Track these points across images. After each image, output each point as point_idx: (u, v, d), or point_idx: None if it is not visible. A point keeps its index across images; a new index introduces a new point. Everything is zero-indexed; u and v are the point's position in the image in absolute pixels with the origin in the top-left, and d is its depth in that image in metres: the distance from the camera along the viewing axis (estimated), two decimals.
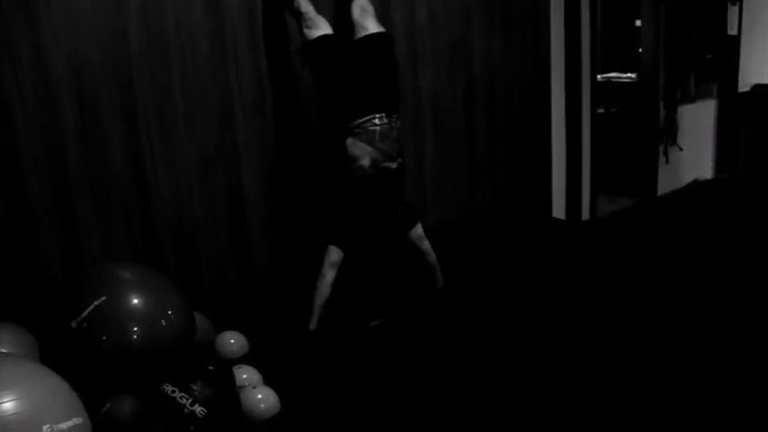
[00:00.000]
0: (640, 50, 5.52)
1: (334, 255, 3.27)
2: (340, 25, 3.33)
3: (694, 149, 5.78)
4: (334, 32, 3.24)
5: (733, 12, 5.72)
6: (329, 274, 3.27)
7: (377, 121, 3.19)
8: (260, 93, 3.36)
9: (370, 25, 3.28)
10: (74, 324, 2.43)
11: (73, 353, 2.43)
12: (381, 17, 3.57)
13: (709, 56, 5.70)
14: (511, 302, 3.67)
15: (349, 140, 3.21)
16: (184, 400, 2.37)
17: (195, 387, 2.42)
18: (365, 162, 3.20)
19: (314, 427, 2.64)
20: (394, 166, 3.28)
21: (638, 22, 5.73)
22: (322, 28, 3.20)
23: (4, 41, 2.68)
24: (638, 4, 5.49)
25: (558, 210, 4.82)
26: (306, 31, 3.21)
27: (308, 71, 3.34)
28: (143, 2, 2.97)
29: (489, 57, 4.24)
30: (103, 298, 2.46)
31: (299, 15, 3.23)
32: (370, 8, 3.32)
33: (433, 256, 3.62)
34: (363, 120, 3.18)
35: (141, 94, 3.03)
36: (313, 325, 3.27)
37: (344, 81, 3.23)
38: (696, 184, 5.82)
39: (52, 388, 2.01)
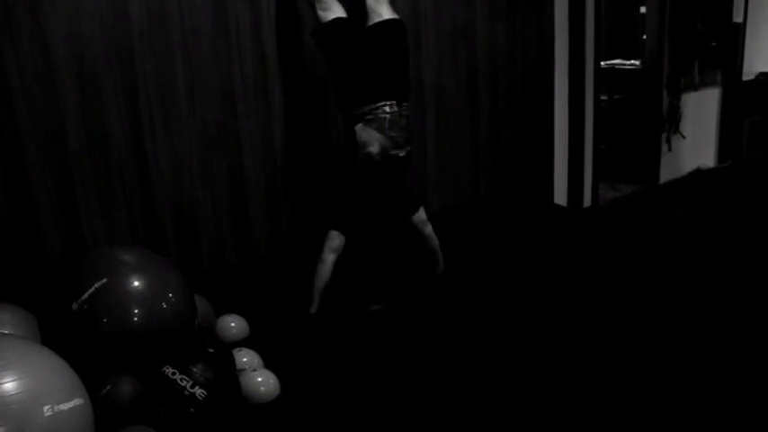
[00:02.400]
0: (645, 37, 5.48)
1: (336, 240, 3.27)
2: (353, 10, 3.30)
3: (697, 137, 5.75)
4: (348, 16, 3.21)
5: None
6: (329, 259, 3.27)
7: (387, 108, 3.17)
8: (262, 74, 3.35)
9: (384, 11, 3.25)
10: (75, 306, 2.44)
11: (74, 334, 2.43)
12: None
13: (713, 43, 5.66)
14: (511, 288, 3.67)
15: (359, 126, 3.19)
16: (185, 383, 2.38)
17: (196, 369, 2.43)
18: (374, 149, 3.19)
19: (314, 410, 2.65)
20: (402, 154, 3.28)
21: (642, 9, 5.69)
22: (336, 11, 3.17)
23: (4, 21, 2.66)
24: None
25: (560, 196, 4.82)
26: (320, 13, 3.18)
27: (318, 55, 3.31)
28: None
29: (493, 41, 4.21)
30: (104, 280, 2.47)
31: None
32: None
33: (435, 241, 3.63)
34: (374, 106, 3.17)
35: (143, 74, 3.01)
36: (313, 309, 3.28)
37: (357, 66, 3.21)
38: (698, 173, 5.81)
39: (53, 369, 2.02)
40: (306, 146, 3.56)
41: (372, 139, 3.18)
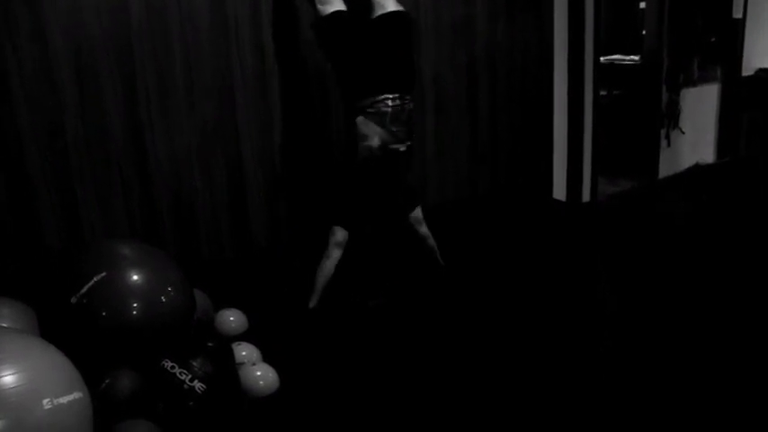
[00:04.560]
0: (644, 32, 5.48)
1: (340, 234, 3.26)
2: (358, 1, 3.28)
3: (696, 133, 5.75)
4: (348, 9, 3.19)
5: None
6: (335, 254, 3.26)
7: (390, 102, 3.15)
8: (261, 67, 3.34)
9: (388, 3, 3.23)
10: (73, 299, 2.43)
11: (73, 328, 2.43)
12: None
13: (713, 39, 5.65)
14: (510, 283, 3.67)
15: (359, 119, 3.18)
16: (184, 376, 2.38)
17: (195, 363, 2.43)
18: (374, 142, 3.18)
19: (313, 404, 2.65)
20: (402, 148, 3.25)
21: (642, 4, 5.68)
22: (335, 3, 3.16)
23: (3, 16, 2.65)
24: None
25: (559, 191, 4.82)
26: (319, 6, 3.16)
27: (319, 49, 3.31)
28: None
29: (492, 36, 4.20)
30: (103, 274, 2.47)
31: None
32: None
33: (431, 240, 3.62)
34: (376, 99, 3.15)
35: (141, 67, 3.01)
36: (313, 303, 3.27)
37: (359, 59, 3.19)
38: (697, 168, 5.81)
39: (52, 362, 2.01)
40: (305, 138, 3.56)
41: (373, 133, 3.16)
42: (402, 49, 3.27)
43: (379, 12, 3.23)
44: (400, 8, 3.27)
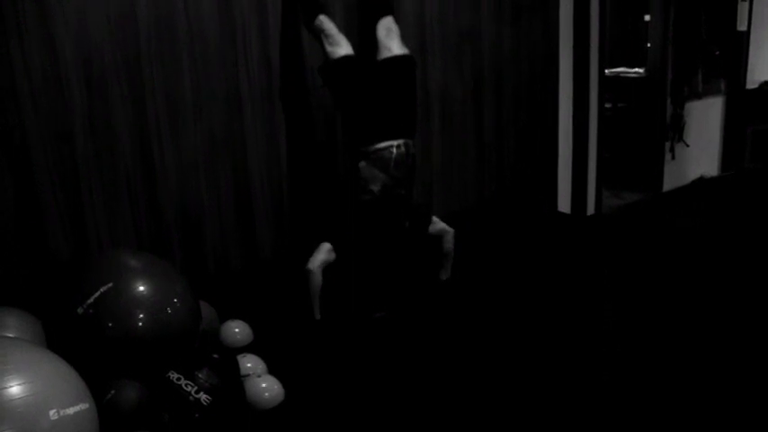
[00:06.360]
0: (649, 45, 5.49)
1: (327, 254, 3.22)
2: (362, 41, 3.34)
3: (701, 146, 5.76)
4: (356, 51, 3.24)
5: (743, 7, 5.69)
6: (318, 270, 3.20)
7: (393, 149, 3.17)
8: (268, 80, 3.35)
9: (394, 47, 3.26)
10: (80, 310, 2.43)
11: (79, 339, 2.43)
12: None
13: (717, 52, 5.67)
14: (515, 295, 3.66)
15: (362, 164, 3.19)
16: (189, 388, 2.38)
17: (200, 375, 2.42)
18: (375, 187, 3.19)
19: (318, 416, 2.64)
20: (403, 192, 3.28)
21: (647, 17, 5.70)
22: (344, 46, 3.19)
23: (13, 24, 2.67)
24: None
25: (564, 204, 4.82)
26: (329, 48, 3.19)
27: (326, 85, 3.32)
28: None
29: (498, 49, 4.22)
30: (110, 284, 2.47)
31: (320, 33, 3.22)
32: (396, 28, 3.31)
33: (449, 257, 3.61)
34: (380, 146, 3.16)
35: (150, 78, 3.02)
36: (317, 315, 3.27)
37: (364, 104, 3.21)
38: (702, 181, 5.81)
39: (59, 373, 2.02)
40: (311, 151, 3.56)
41: (375, 179, 3.18)
42: (406, 93, 3.30)
43: (385, 55, 3.25)
44: (405, 51, 3.30)
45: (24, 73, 2.72)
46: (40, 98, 2.77)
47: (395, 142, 3.18)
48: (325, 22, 3.22)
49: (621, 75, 5.87)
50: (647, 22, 5.59)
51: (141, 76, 3.00)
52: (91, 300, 2.44)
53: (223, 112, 3.24)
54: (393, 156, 3.17)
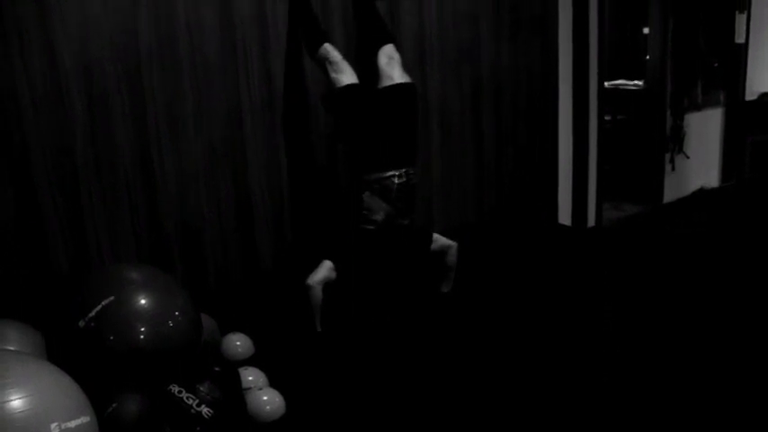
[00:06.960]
0: (648, 58, 5.52)
1: (329, 272, 3.22)
2: (365, 71, 3.36)
3: (701, 157, 5.77)
4: (360, 79, 3.26)
5: (741, 20, 5.72)
6: (318, 287, 3.20)
7: (396, 179, 3.19)
8: (269, 91, 3.37)
9: (395, 75, 3.27)
10: (81, 323, 2.43)
11: (80, 352, 2.43)
12: (391, 22, 3.59)
13: (716, 64, 5.70)
14: (516, 307, 3.66)
15: (366, 194, 3.21)
16: (191, 401, 2.37)
17: (202, 388, 2.42)
18: (378, 217, 3.21)
19: (319, 429, 2.64)
20: (406, 222, 3.30)
21: (645, 30, 5.73)
22: (348, 75, 3.21)
23: (15, 37, 2.68)
24: (646, 12, 5.49)
25: (564, 216, 4.82)
26: (333, 76, 3.21)
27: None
28: (154, 1, 2.98)
29: (497, 62, 4.24)
30: (111, 298, 2.47)
31: (324, 61, 3.24)
32: (397, 56, 3.33)
33: (451, 273, 3.62)
34: (383, 176, 3.18)
35: (150, 92, 3.03)
36: (318, 327, 3.27)
37: (367, 134, 3.23)
38: (702, 192, 5.82)
39: (60, 386, 2.01)
40: (312, 163, 3.57)
41: (378, 208, 3.20)
42: (408, 122, 3.31)
43: (387, 83, 3.27)
44: (407, 79, 3.31)
45: (26, 85, 2.73)
46: (41, 111, 2.78)
47: (397, 171, 3.20)
48: (330, 50, 3.23)
49: (621, 87, 5.88)
50: (646, 34, 5.62)
51: (142, 89, 3.01)
52: (92, 313, 2.44)
53: (223, 122, 3.26)
54: (395, 185, 3.19)
